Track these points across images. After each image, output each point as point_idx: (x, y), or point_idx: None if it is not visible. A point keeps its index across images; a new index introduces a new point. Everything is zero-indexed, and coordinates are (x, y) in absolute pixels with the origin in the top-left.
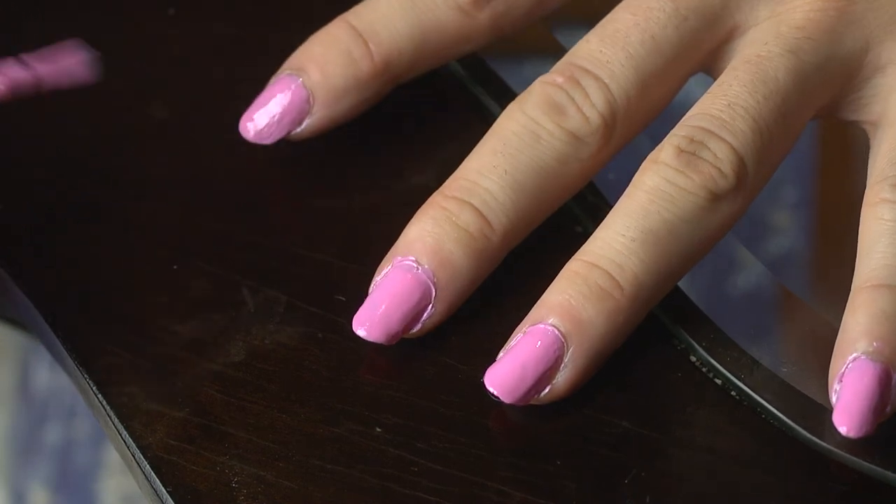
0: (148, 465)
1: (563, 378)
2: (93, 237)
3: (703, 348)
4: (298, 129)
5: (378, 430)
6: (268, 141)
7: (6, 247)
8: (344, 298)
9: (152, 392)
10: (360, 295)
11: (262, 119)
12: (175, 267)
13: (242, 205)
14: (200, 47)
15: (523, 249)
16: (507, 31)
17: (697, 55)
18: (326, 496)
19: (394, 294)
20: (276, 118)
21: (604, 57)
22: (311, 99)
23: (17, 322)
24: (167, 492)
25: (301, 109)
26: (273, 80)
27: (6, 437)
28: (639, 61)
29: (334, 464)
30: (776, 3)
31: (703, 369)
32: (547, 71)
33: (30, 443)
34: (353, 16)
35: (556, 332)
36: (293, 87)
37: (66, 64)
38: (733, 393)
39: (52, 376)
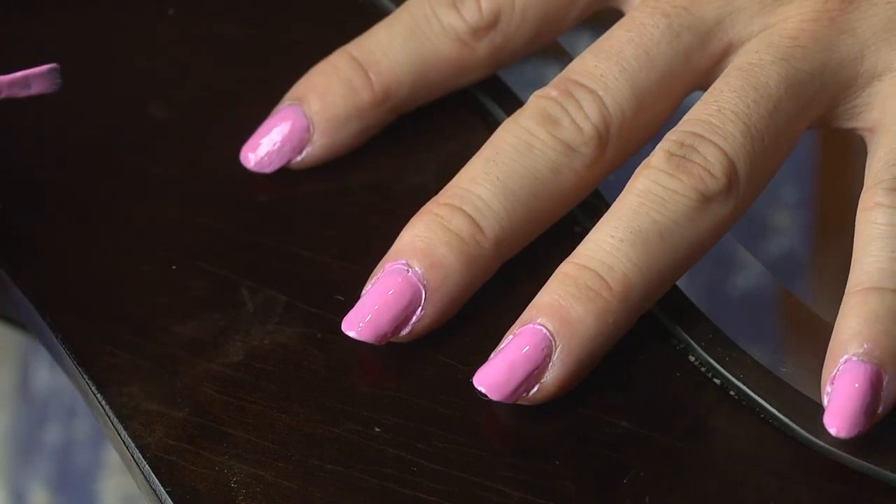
0: (147, 465)
1: (551, 377)
2: (92, 237)
3: (703, 348)
4: (298, 158)
5: (377, 430)
6: (268, 170)
7: (6, 247)
8: (343, 298)
9: (152, 392)
10: (359, 295)
11: (262, 148)
12: (175, 267)
13: (242, 205)
14: (200, 47)
15: (523, 249)
16: (506, 63)
17: (693, 72)
18: (326, 496)
19: (384, 295)
20: (276, 146)
21: (598, 71)
22: (310, 128)
23: (17, 322)
24: (166, 492)
25: (301, 138)
26: (275, 110)
27: (6, 437)
28: (632, 75)
29: (333, 464)
30: (769, 15)
31: (703, 369)
32: (548, 70)
33: (30, 443)
34: (354, 46)
35: (545, 330)
36: (293, 116)
37: (26, 73)
38: (732, 393)
39: (52, 376)
